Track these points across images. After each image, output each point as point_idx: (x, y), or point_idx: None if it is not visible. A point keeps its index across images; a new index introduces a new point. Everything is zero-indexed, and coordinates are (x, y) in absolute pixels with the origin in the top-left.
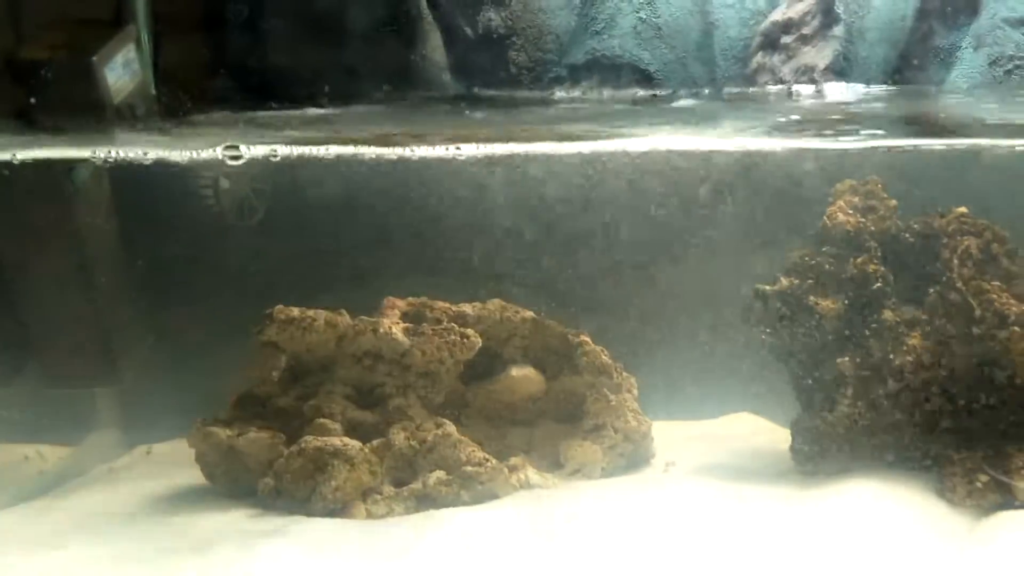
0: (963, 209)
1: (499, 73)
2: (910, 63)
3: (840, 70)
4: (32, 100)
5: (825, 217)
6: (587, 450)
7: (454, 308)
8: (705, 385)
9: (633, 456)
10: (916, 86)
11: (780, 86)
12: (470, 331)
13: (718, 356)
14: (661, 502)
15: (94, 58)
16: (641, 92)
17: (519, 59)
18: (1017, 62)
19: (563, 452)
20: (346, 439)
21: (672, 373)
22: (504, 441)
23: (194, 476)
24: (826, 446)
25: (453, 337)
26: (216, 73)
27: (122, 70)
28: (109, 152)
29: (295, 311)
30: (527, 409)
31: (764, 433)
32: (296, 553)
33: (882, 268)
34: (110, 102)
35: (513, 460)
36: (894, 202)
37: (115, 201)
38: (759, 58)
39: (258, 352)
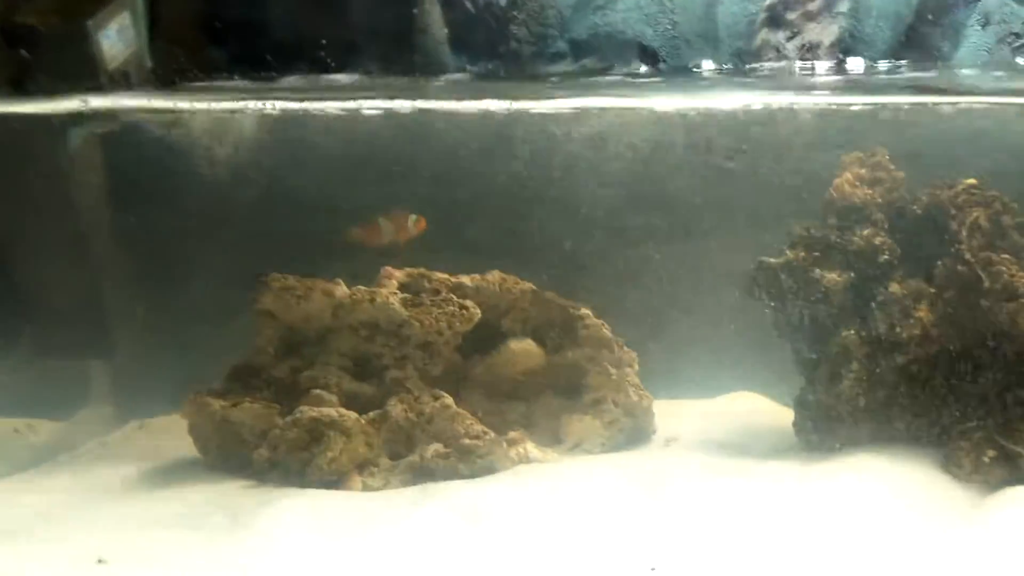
0: (972, 180)
1: (499, 48)
2: (917, 40)
3: (846, 47)
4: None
5: (831, 189)
6: (587, 424)
7: (453, 279)
8: (705, 364)
9: (634, 431)
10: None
11: (784, 62)
12: (469, 302)
13: (719, 334)
14: (659, 478)
15: (88, 24)
16: (644, 68)
17: (520, 33)
18: None
19: (563, 426)
20: (342, 410)
21: (673, 351)
22: (503, 415)
23: (187, 449)
24: (830, 421)
25: (452, 308)
26: (213, 41)
27: (116, 37)
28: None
29: (291, 279)
30: (527, 383)
31: (766, 412)
32: (290, 524)
33: (889, 240)
34: (104, 68)
35: (512, 434)
36: (901, 174)
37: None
38: (764, 34)
39: (254, 321)
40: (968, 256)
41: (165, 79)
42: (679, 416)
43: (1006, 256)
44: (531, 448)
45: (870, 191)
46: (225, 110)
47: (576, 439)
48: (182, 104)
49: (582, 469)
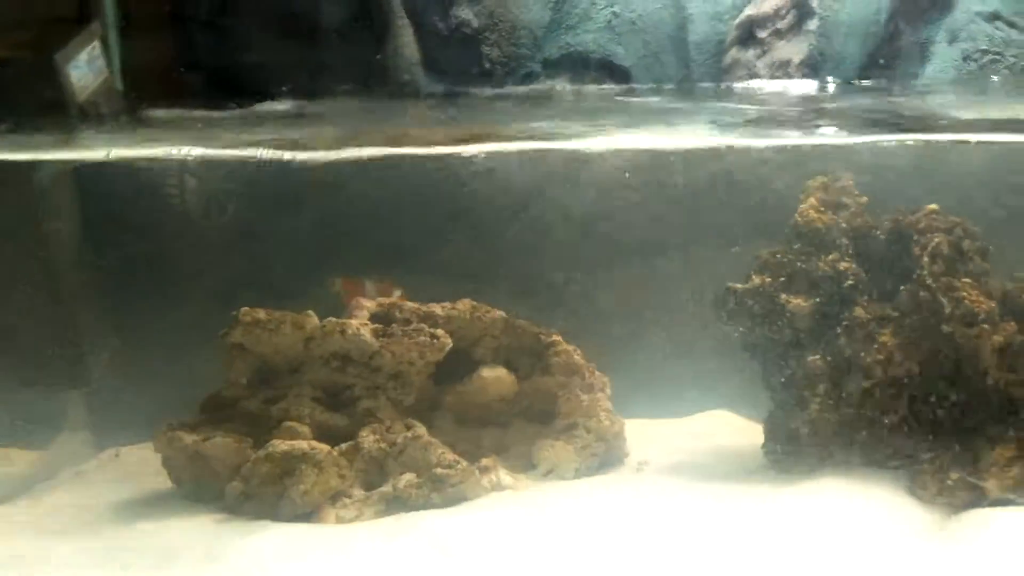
0: (934, 206)
1: (472, 69)
2: (884, 58)
3: (814, 65)
4: None
5: (796, 214)
6: (559, 450)
7: (424, 308)
8: (680, 383)
9: (606, 456)
10: (890, 81)
11: (755, 80)
12: (440, 332)
13: (694, 353)
14: (631, 503)
15: (56, 56)
16: (614, 87)
17: (492, 54)
18: (991, 56)
19: (536, 453)
20: (314, 442)
21: (648, 371)
22: (476, 442)
23: (162, 480)
24: (798, 444)
25: (423, 338)
26: (185, 69)
27: (86, 68)
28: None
29: (261, 313)
30: (499, 410)
31: (739, 431)
32: (262, 559)
33: (853, 265)
34: (73, 100)
35: (485, 461)
36: (865, 199)
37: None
38: (734, 53)
39: (225, 355)
40: (930, 281)
41: (136, 107)
42: (653, 437)
43: (967, 281)
44: (504, 475)
45: (834, 216)
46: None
47: (549, 465)
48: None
49: (554, 496)
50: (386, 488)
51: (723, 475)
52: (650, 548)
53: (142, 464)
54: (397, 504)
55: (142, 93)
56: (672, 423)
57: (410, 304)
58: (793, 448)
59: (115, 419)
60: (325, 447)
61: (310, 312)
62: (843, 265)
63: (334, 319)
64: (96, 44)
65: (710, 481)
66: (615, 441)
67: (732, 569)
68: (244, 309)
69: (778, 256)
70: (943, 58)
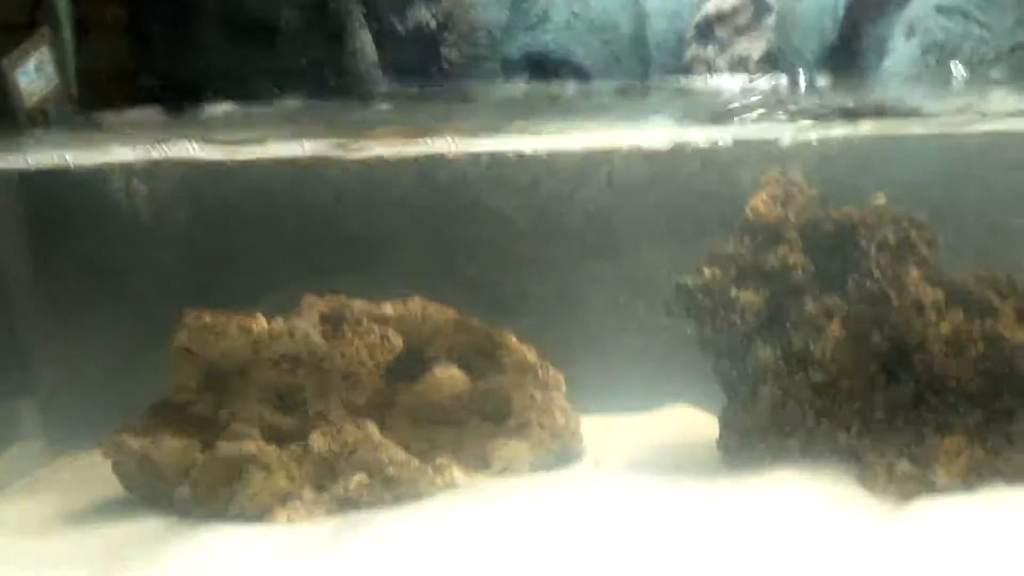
0: (882, 198)
1: (431, 69)
2: (843, 52)
3: (774, 60)
4: None
5: (747, 208)
6: (514, 448)
7: (375, 308)
8: (641, 378)
9: (562, 453)
10: (849, 75)
11: (716, 77)
12: (391, 332)
13: (655, 347)
14: (585, 499)
15: (3, 62)
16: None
17: (451, 55)
18: (949, 50)
19: (490, 451)
20: (262, 444)
21: (608, 365)
22: (431, 442)
23: (115, 486)
24: (750, 438)
25: (373, 338)
26: (141, 74)
27: (35, 74)
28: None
29: (207, 316)
30: (453, 409)
31: (700, 425)
32: (204, 559)
33: (803, 258)
34: (21, 106)
35: (439, 460)
36: (815, 192)
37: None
38: (694, 49)
39: (173, 359)
40: (877, 272)
41: (88, 112)
42: (612, 433)
43: (914, 272)
44: (457, 474)
45: (784, 210)
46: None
47: (504, 463)
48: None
49: (508, 493)
50: (337, 489)
51: (679, 470)
52: (601, 543)
53: (96, 470)
54: (349, 505)
55: (96, 98)
56: (633, 418)
57: (360, 304)
58: (746, 442)
59: (70, 425)
60: (274, 449)
61: (258, 314)
62: (793, 259)
63: (283, 321)
64: (45, 49)
65: (664, 476)
66: (571, 438)
67: (681, 562)
68: (189, 312)
69: (728, 250)
70: (901, 52)
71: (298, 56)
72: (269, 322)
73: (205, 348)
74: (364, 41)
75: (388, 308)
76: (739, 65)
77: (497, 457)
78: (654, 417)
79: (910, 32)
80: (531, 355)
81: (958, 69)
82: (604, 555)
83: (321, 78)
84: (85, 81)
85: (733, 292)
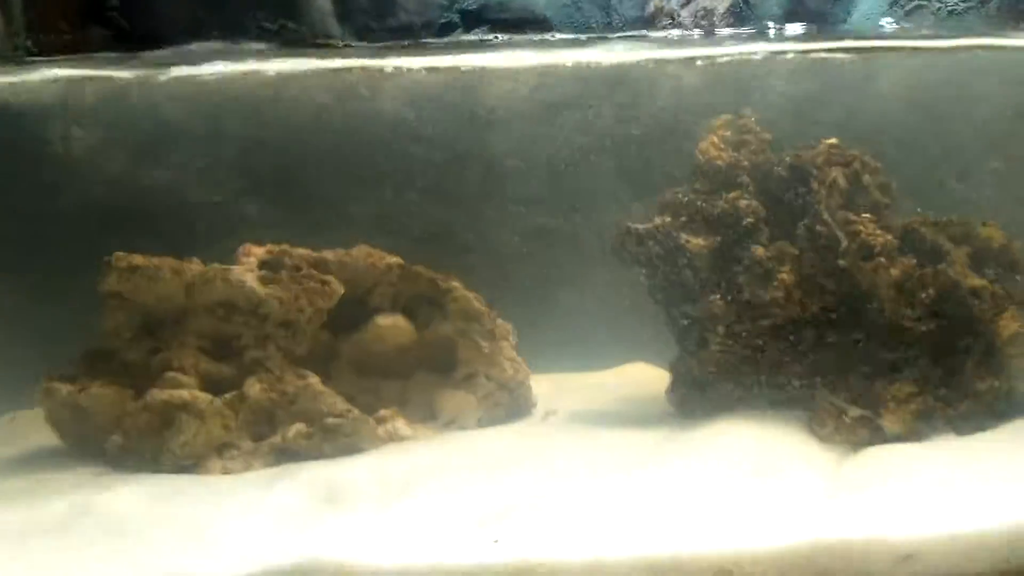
0: (833, 140)
1: (387, 19)
2: (812, 4)
3: (739, 13)
4: None
5: (697, 152)
6: (460, 400)
7: (315, 254)
8: (598, 335)
9: (511, 406)
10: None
11: (679, 30)
12: (331, 278)
13: (612, 305)
14: (530, 452)
15: None
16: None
17: (408, 4)
18: (918, 2)
19: (437, 403)
20: (195, 391)
21: (564, 324)
22: (376, 393)
23: (52, 439)
24: (700, 386)
25: (312, 284)
26: (91, 22)
27: None
28: None
29: (138, 258)
30: (398, 359)
31: (654, 381)
32: (128, 504)
33: (754, 203)
34: None
35: (382, 412)
36: (768, 135)
37: None
38: (657, 1)
39: (102, 303)
40: (826, 216)
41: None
42: (566, 389)
43: (865, 215)
44: (401, 425)
45: (735, 153)
46: None
47: (450, 415)
48: None
49: (452, 445)
50: (275, 439)
51: (628, 422)
52: (545, 494)
53: (37, 426)
54: (287, 455)
55: (44, 46)
56: (587, 376)
57: (300, 250)
58: (696, 391)
59: (10, 383)
60: (207, 396)
61: (193, 258)
62: (743, 203)
63: (217, 265)
64: None
65: (613, 428)
66: (520, 390)
67: (627, 513)
68: (118, 254)
69: (679, 195)
70: (870, 3)
71: (252, 5)
72: (204, 267)
73: (136, 293)
74: None
75: (329, 254)
76: (704, 18)
77: (444, 409)
78: (608, 375)
79: None
80: (478, 303)
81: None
82: (550, 507)
83: (275, 28)
84: (33, 30)
85: (683, 238)
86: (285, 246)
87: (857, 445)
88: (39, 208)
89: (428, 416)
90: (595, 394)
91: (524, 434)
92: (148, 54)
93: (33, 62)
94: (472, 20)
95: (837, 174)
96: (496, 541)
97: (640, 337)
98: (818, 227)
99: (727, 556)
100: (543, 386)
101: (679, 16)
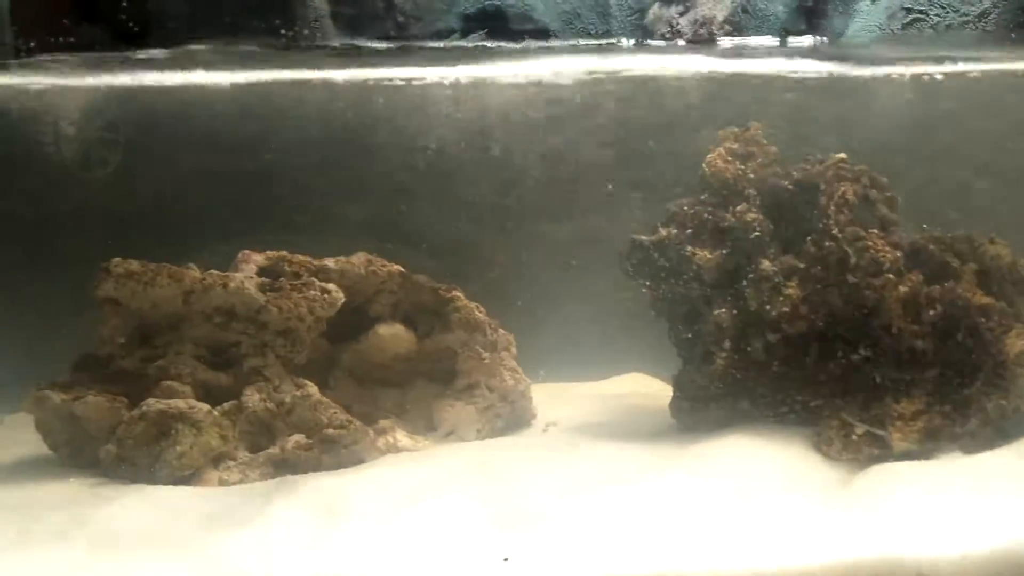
0: (842, 155)
1: (385, 22)
2: (809, 16)
3: (738, 23)
4: None
5: (704, 165)
6: (460, 411)
7: (315, 262)
8: (598, 346)
9: (511, 417)
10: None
11: (677, 39)
12: (331, 286)
13: (613, 315)
14: (531, 464)
15: None
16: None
17: (406, 7)
18: (915, 15)
19: (436, 413)
20: (192, 401)
21: (565, 334)
22: (375, 403)
23: (41, 446)
24: (704, 401)
25: (313, 292)
26: (83, 21)
27: None
28: None
29: (135, 264)
30: (398, 369)
31: (654, 392)
32: (126, 520)
33: (761, 217)
34: None
35: (382, 423)
36: (774, 148)
37: None
38: (656, 9)
39: (98, 310)
40: (835, 231)
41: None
42: (566, 400)
43: (873, 231)
44: (401, 437)
45: (743, 167)
46: None
47: (450, 426)
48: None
49: (452, 458)
50: (273, 450)
51: (630, 435)
52: (551, 509)
53: (26, 430)
54: (285, 467)
55: (34, 43)
56: (584, 386)
57: (300, 257)
58: (700, 405)
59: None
60: (205, 406)
61: (191, 264)
62: (750, 216)
63: (216, 272)
64: None
65: (616, 441)
66: (520, 401)
67: (628, 529)
68: (115, 260)
69: (685, 207)
70: (867, 17)
71: (247, 4)
72: (202, 273)
73: (133, 299)
74: None
75: (330, 262)
76: (703, 26)
77: (444, 419)
78: (607, 385)
79: None
80: (480, 313)
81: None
82: (557, 522)
83: (270, 28)
84: (22, 27)
85: (689, 250)
86: (284, 253)
87: (864, 463)
88: None
89: (427, 427)
90: (593, 405)
91: (526, 447)
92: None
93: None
94: (471, 25)
95: (847, 189)
96: (506, 559)
97: (636, 347)
98: (827, 242)
99: (738, 574)
100: (539, 396)
101: (678, 24)
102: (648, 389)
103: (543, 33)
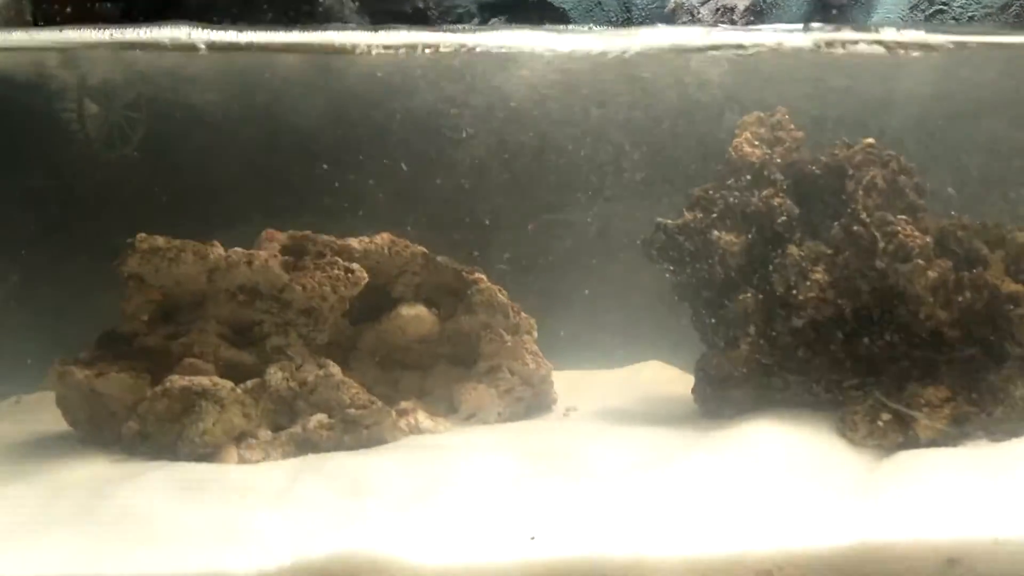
0: (870, 140)
1: (405, 6)
2: (831, 5)
3: (760, 11)
4: None
5: (730, 149)
6: (481, 394)
7: (339, 241)
8: (616, 334)
9: (532, 401)
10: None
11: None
12: (355, 265)
13: (630, 304)
14: (556, 447)
15: None
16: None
17: None
18: (937, 6)
19: (458, 396)
20: (216, 378)
21: (583, 321)
22: (396, 385)
23: (61, 424)
24: (728, 386)
25: (336, 272)
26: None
27: None
28: None
29: (160, 240)
30: (420, 351)
31: (672, 380)
32: (152, 494)
33: (787, 201)
34: None
35: (403, 404)
36: (800, 133)
37: None
38: None
39: (121, 286)
40: (864, 216)
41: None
42: (585, 386)
43: (902, 217)
44: (422, 418)
45: (769, 151)
46: None
47: (471, 409)
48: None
49: (473, 440)
50: (295, 429)
51: (652, 420)
52: (579, 491)
53: (44, 409)
54: (307, 446)
55: (53, 18)
56: (601, 374)
57: (324, 236)
58: (723, 391)
59: (16, 365)
60: (228, 384)
61: (215, 241)
62: (777, 201)
63: (240, 249)
64: None
65: (639, 425)
66: (542, 385)
67: (664, 511)
68: (140, 235)
69: (710, 192)
70: (889, 6)
71: None
72: (226, 250)
73: (157, 276)
74: None
75: (353, 242)
76: (723, 15)
77: (465, 402)
78: (624, 372)
79: None
80: (502, 296)
81: None
82: (585, 504)
83: (292, 10)
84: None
85: (714, 234)
86: (308, 232)
87: (889, 449)
88: None
89: (448, 409)
90: (612, 392)
91: (548, 430)
92: None
93: None
94: (489, 11)
95: (876, 173)
96: (533, 538)
97: (654, 336)
98: (855, 227)
99: (768, 557)
100: (556, 383)
101: (699, 13)
102: (665, 376)
103: (563, 19)
